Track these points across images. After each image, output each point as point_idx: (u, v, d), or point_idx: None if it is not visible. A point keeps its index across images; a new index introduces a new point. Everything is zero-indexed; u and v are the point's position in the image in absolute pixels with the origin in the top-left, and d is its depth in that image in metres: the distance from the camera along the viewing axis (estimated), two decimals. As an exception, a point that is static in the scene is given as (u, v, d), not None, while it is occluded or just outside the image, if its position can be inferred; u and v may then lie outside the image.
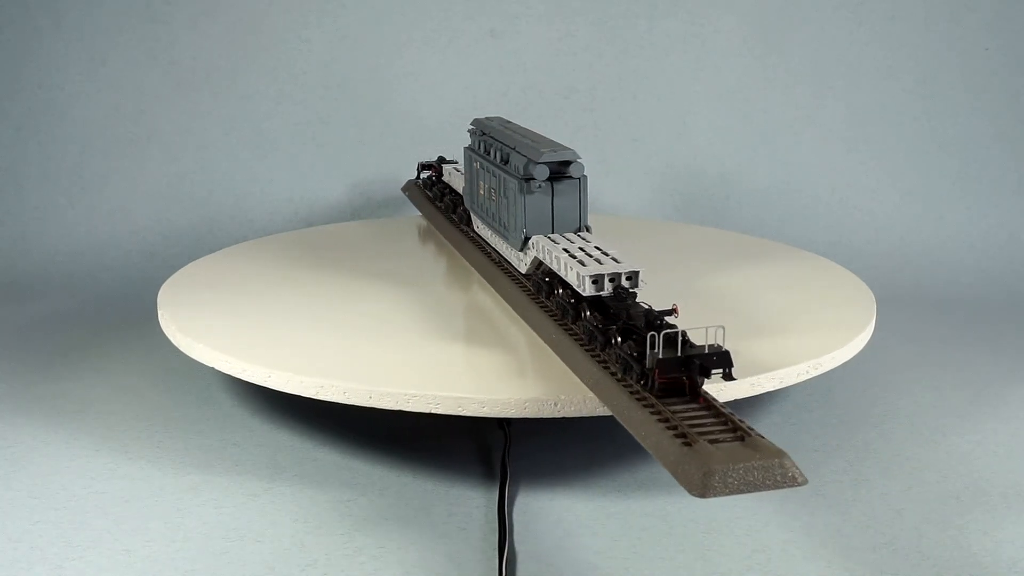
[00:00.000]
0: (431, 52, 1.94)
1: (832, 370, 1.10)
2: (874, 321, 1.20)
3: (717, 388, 0.99)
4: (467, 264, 1.38)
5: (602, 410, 0.92)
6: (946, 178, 1.92)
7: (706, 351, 0.82)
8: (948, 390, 1.31)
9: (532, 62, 1.94)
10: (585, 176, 1.12)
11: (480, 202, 1.31)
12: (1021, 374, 1.37)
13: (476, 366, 1.06)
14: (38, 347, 1.47)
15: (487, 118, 1.36)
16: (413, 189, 1.69)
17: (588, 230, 1.12)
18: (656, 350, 0.82)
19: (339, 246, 1.54)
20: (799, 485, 0.72)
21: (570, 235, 1.09)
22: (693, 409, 0.81)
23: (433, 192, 1.60)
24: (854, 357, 1.14)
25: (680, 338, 0.83)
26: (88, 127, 1.93)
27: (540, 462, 1.10)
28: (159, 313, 1.23)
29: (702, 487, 0.71)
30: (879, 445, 1.15)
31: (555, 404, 0.95)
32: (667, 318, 0.90)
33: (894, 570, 0.90)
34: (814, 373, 1.06)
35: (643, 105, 1.95)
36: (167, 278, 1.36)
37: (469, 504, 1.02)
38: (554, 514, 1.00)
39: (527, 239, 1.12)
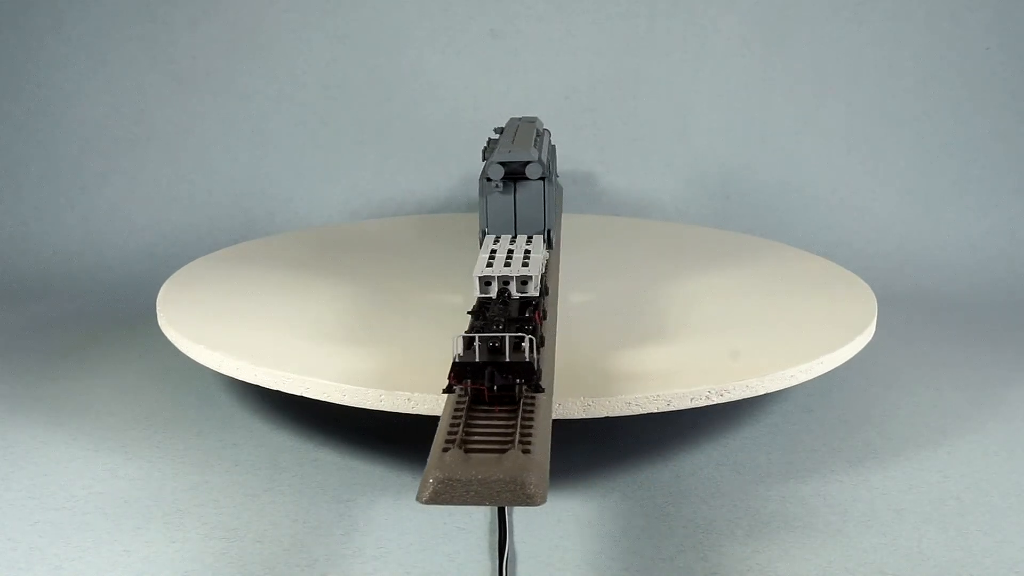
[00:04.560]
0: (431, 52, 1.94)
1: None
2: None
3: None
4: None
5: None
6: (946, 178, 1.92)
7: (507, 360, 0.79)
8: (948, 390, 1.31)
9: (532, 62, 1.94)
10: (548, 177, 1.09)
11: None
12: (1021, 374, 1.37)
13: (381, 360, 1.06)
14: (38, 347, 1.47)
15: (520, 118, 1.35)
16: None
17: (549, 233, 1.09)
18: (456, 353, 0.79)
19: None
20: (535, 505, 0.70)
21: (521, 237, 1.07)
22: (495, 417, 0.77)
23: None
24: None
25: (478, 343, 0.79)
26: (88, 127, 1.93)
27: (540, 462, 1.09)
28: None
29: (427, 494, 0.69)
30: (879, 445, 1.15)
31: (408, 400, 0.97)
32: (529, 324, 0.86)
33: (894, 570, 0.90)
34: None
35: (643, 105, 1.95)
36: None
37: (469, 504, 1.02)
38: (554, 514, 1.00)
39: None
